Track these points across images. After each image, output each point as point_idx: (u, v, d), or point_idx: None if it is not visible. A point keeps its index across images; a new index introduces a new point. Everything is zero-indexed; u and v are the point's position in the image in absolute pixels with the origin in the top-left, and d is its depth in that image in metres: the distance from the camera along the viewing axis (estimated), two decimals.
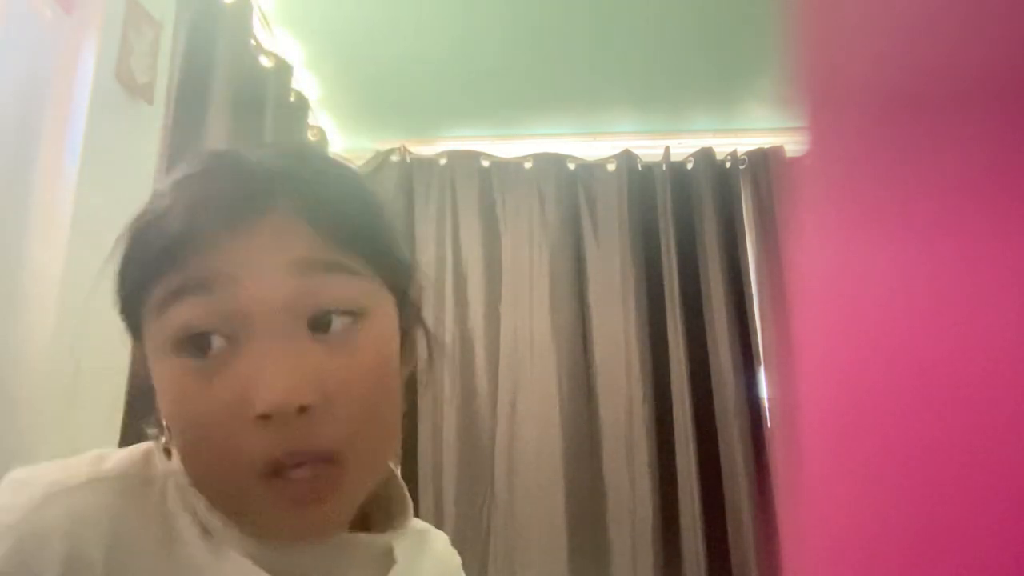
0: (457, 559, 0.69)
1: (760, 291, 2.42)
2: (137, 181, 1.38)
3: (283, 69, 2.09)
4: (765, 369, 2.33)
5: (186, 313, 0.42)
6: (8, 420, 1.11)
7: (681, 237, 2.49)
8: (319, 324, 0.44)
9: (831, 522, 0.12)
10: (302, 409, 0.41)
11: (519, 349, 2.39)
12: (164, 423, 0.48)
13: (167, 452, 0.49)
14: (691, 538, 2.22)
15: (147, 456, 0.49)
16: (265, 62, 2.02)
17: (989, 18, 0.10)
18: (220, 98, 1.75)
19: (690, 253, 2.48)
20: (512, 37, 2.11)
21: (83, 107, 1.22)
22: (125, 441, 1.32)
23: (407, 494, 0.56)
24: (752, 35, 2.01)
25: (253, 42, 1.96)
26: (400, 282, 0.50)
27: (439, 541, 0.67)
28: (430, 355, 0.57)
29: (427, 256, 2.49)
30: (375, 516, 0.55)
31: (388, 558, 0.54)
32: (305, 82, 2.28)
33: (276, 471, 0.42)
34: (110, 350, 1.34)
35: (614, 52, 2.16)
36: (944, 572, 0.10)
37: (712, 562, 2.18)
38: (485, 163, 2.61)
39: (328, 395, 0.42)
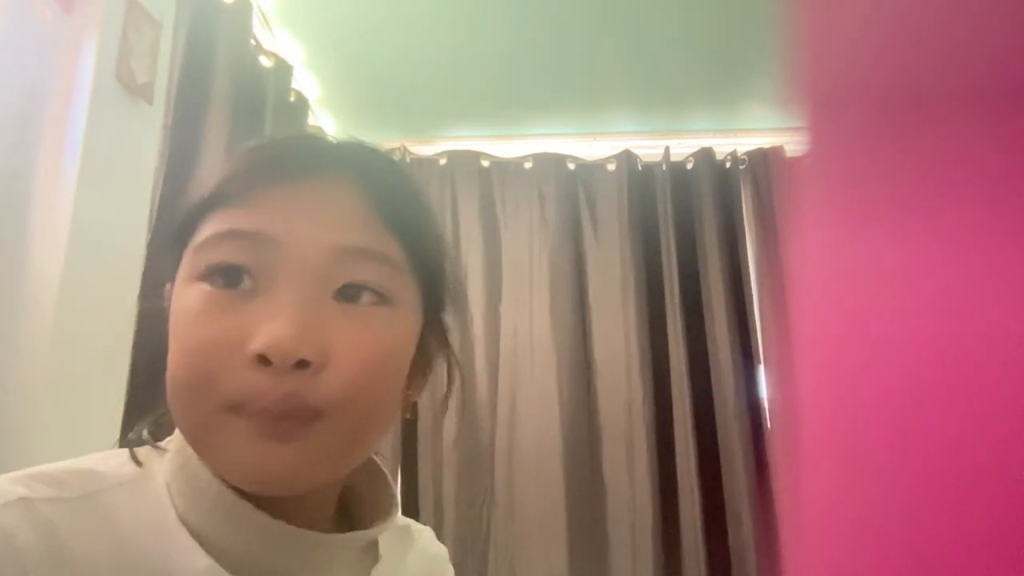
0: (442, 550, 0.68)
1: (760, 291, 2.42)
2: (137, 181, 1.38)
3: (283, 69, 2.09)
4: (765, 369, 2.33)
5: (226, 249, 0.43)
6: (8, 420, 1.11)
7: (681, 237, 2.49)
8: (348, 294, 0.44)
9: (831, 521, 0.12)
10: (301, 363, 0.41)
11: (519, 349, 2.39)
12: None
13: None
14: (691, 538, 2.22)
15: (113, 461, 0.48)
16: (265, 62, 2.02)
17: (988, 18, 0.10)
18: (220, 98, 1.75)
19: (690, 253, 2.48)
20: (512, 37, 2.11)
21: (83, 107, 1.22)
22: (124, 441, 1.32)
23: (394, 491, 0.56)
24: (752, 35, 2.01)
25: (253, 42, 1.96)
26: (436, 298, 0.51)
27: (423, 534, 0.66)
28: (449, 383, 0.58)
29: None
30: (362, 515, 0.55)
31: (372, 554, 0.54)
32: (305, 82, 2.28)
33: (244, 405, 0.41)
34: (110, 349, 1.35)
35: (614, 52, 2.16)
36: (944, 570, 0.10)
37: (712, 562, 2.18)
38: (485, 163, 2.61)
39: (330, 358, 0.42)
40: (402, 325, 0.47)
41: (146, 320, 1.51)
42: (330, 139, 0.50)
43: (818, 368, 0.12)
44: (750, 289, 2.43)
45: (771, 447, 2.18)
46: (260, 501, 0.45)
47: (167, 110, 1.57)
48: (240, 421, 0.41)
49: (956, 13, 0.10)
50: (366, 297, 0.45)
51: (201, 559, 0.44)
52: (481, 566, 2.23)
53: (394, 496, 0.55)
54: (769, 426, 2.26)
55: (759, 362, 2.34)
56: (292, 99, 2.18)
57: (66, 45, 1.26)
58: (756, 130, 2.57)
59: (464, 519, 2.26)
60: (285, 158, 0.46)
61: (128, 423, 1.34)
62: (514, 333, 2.41)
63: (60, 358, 1.16)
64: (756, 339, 2.37)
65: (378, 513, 0.54)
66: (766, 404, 2.31)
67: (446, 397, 0.58)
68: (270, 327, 0.41)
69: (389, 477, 0.57)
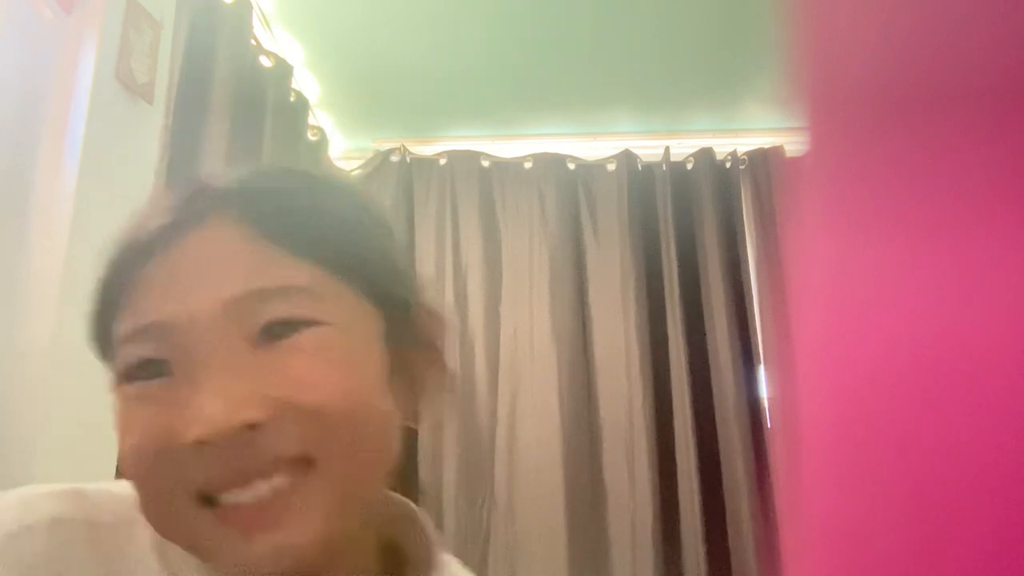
0: None
1: (760, 291, 2.42)
2: (137, 181, 1.38)
3: (283, 69, 2.09)
4: (765, 369, 2.33)
5: (136, 347, 0.40)
6: (8, 420, 1.11)
7: (681, 237, 2.49)
8: (268, 334, 0.39)
9: (831, 522, 0.12)
10: (250, 427, 0.37)
11: (519, 349, 2.39)
12: None
13: None
14: (691, 538, 2.22)
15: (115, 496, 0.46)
16: (265, 62, 2.02)
17: (989, 18, 0.10)
18: (220, 98, 1.75)
19: (690, 253, 2.48)
20: (512, 37, 2.11)
21: (83, 107, 1.22)
22: None
23: (431, 537, 0.50)
24: (752, 35, 2.01)
25: (253, 42, 1.96)
26: (389, 300, 0.45)
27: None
28: (442, 402, 0.51)
29: (427, 256, 2.49)
30: (400, 565, 0.49)
31: None
32: (305, 82, 2.28)
33: (214, 498, 0.38)
34: None
35: (614, 52, 2.16)
36: (945, 570, 0.10)
37: (712, 562, 2.18)
38: (485, 163, 2.61)
39: (279, 409, 0.38)
40: (347, 338, 0.41)
41: None
42: (205, 184, 0.44)
43: (818, 368, 0.12)
44: (750, 289, 2.43)
45: (771, 447, 2.18)
46: None
47: (167, 110, 1.57)
48: (219, 518, 0.38)
49: (956, 13, 0.10)
50: (289, 331, 0.39)
51: None
52: (481, 566, 2.23)
53: (432, 554, 0.49)
54: (769, 426, 2.26)
55: (759, 362, 2.34)
56: (292, 99, 2.18)
57: (66, 45, 1.26)
58: (756, 130, 2.57)
59: (464, 519, 2.26)
60: (153, 229, 0.42)
61: None
62: (514, 333, 2.41)
63: (60, 358, 1.16)
64: (756, 339, 2.37)
65: (416, 563, 0.48)
66: (766, 404, 2.31)
67: (440, 408, 0.52)
68: (195, 410, 0.37)
69: (427, 529, 0.50)
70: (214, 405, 0.37)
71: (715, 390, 2.34)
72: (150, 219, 0.43)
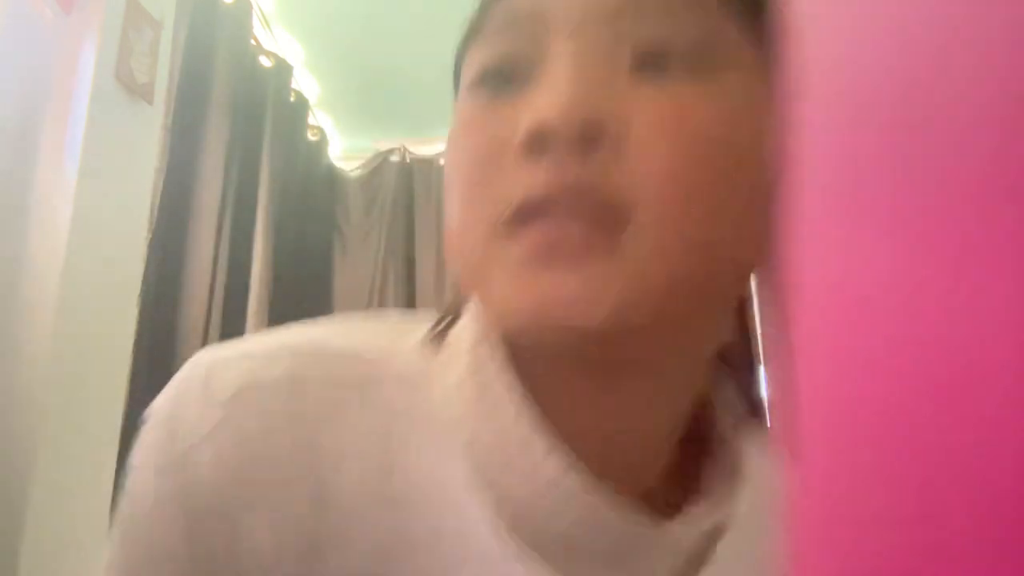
0: None
1: (759, 291, 2.41)
2: (137, 181, 1.38)
3: (283, 69, 2.09)
4: (765, 369, 2.33)
5: (486, 53, 0.33)
6: (8, 419, 1.11)
7: None
8: (648, 62, 0.30)
9: (832, 522, 0.12)
10: (585, 137, 0.28)
11: None
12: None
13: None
14: None
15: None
16: (265, 62, 2.02)
17: (991, 18, 0.10)
18: (220, 98, 1.75)
19: None
20: None
21: (83, 107, 1.22)
22: (124, 441, 1.32)
23: (730, 410, 0.39)
24: None
25: (253, 42, 1.96)
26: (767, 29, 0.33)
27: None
28: None
29: (427, 256, 2.49)
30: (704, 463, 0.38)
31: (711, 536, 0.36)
32: (305, 82, 2.28)
33: (536, 217, 0.29)
34: (110, 349, 1.35)
35: None
36: (947, 571, 0.10)
37: None
38: None
39: (627, 129, 0.29)
40: (729, 96, 0.31)
41: (146, 319, 1.52)
42: None
43: (818, 368, 0.12)
44: (750, 289, 2.42)
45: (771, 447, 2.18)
46: (580, 449, 0.32)
47: (167, 110, 1.57)
48: (514, 244, 0.29)
49: (957, 13, 0.10)
50: (675, 67, 0.30)
51: (477, 511, 0.32)
52: None
53: (736, 462, 0.39)
54: (769, 426, 2.26)
55: (759, 362, 2.34)
56: (292, 99, 2.18)
57: (66, 45, 1.26)
58: None
59: None
60: None
61: (129, 422, 1.34)
62: None
63: (60, 358, 1.16)
64: (756, 339, 2.37)
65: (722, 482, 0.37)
66: (766, 404, 2.30)
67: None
68: (540, 99, 0.29)
69: (722, 426, 0.40)
70: (564, 93, 0.29)
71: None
72: None
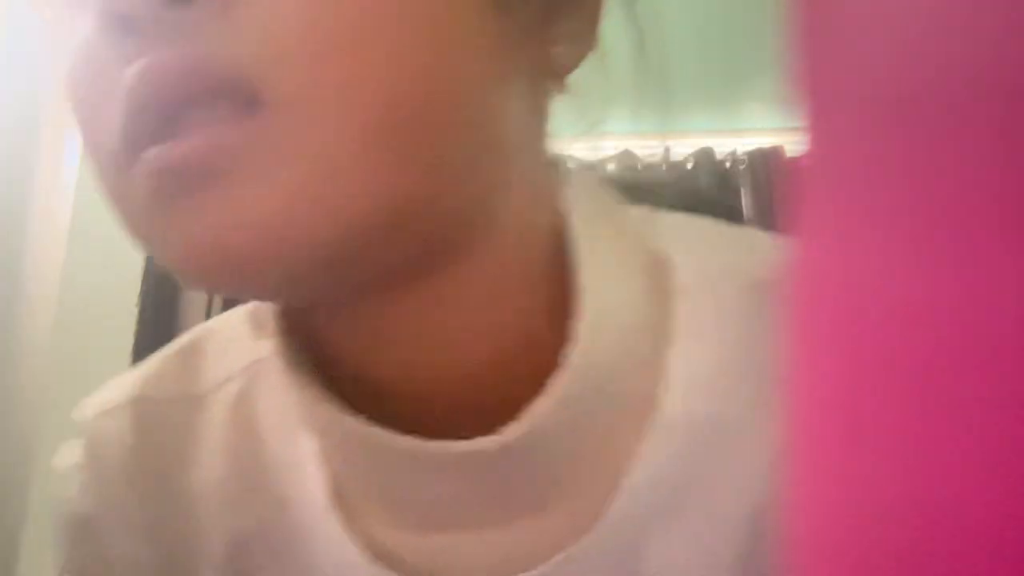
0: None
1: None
2: None
3: None
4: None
5: None
6: (8, 420, 1.11)
7: None
8: None
9: (832, 522, 0.12)
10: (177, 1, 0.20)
11: None
12: None
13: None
14: None
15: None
16: None
17: (991, 17, 0.10)
18: None
19: None
20: None
21: None
22: None
23: (573, 243, 0.27)
24: (752, 35, 2.01)
25: None
26: None
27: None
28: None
29: None
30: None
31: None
32: None
33: (136, 136, 0.21)
34: (110, 349, 1.35)
35: (614, 52, 2.16)
36: (947, 572, 0.10)
37: None
38: None
39: None
40: None
41: (147, 319, 1.51)
42: None
43: (819, 369, 0.12)
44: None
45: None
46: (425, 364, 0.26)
47: None
48: (142, 174, 0.22)
49: (958, 12, 0.10)
50: None
51: (319, 486, 0.28)
52: None
53: (579, 291, 0.26)
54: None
55: None
56: None
57: None
58: (756, 130, 2.57)
59: None
60: None
61: None
62: None
63: (60, 358, 1.16)
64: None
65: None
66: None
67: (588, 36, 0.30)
68: None
69: (574, 243, 0.27)
70: None
71: None
72: None
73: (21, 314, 1.16)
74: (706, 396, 0.27)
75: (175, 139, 0.21)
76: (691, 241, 0.32)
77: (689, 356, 0.27)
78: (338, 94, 0.21)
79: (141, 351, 1.47)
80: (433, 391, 0.27)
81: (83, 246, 1.20)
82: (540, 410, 0.25)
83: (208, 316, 1.69)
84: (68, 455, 0.34)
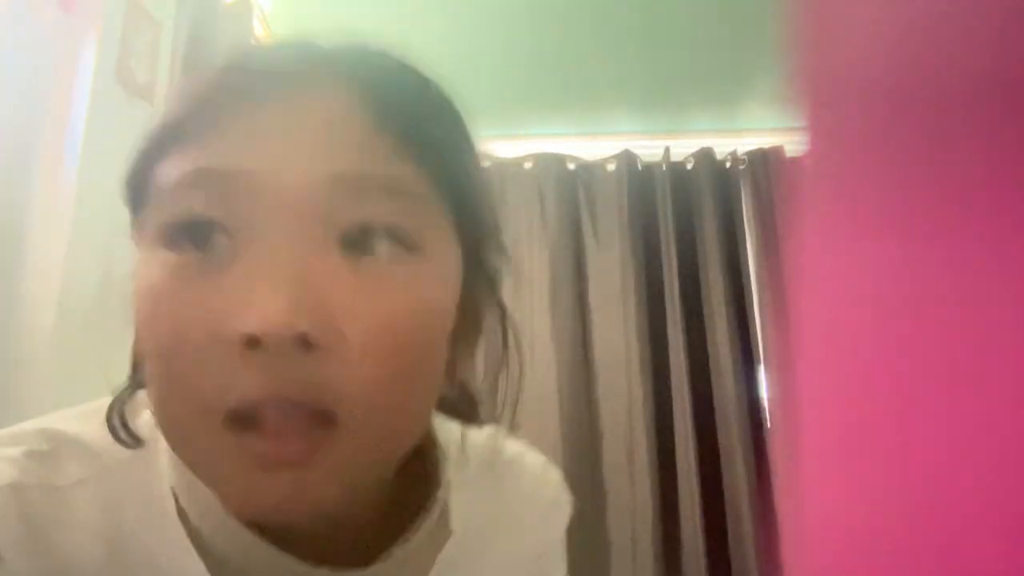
0: (557, 496, 0.53)
1: (760, 291, 2.42)
2: None
3: None
4: (765, 369, 2.33)
5: (189, 199, 0.32)
6: (8, 419, 1.11)
7: (681, 237, 2.49)
8: (358, 244, 0.32)
9: (832, 522, 0.12)
10: (303, 342, 0.29)
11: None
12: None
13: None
14: (691, 539, 2.22)
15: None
16: None
17: (992, 17, 0.10)
18: None
19: (690, 253, 2.48)
20: (511, 37, 2.11)
21: (83, 107, 1.22)
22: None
23: (438, 467, 0.44)
24: (752, 35, 2.01)
25: (253, 42, 1.96)
26: (473, 230, 0.38)
27: (523, 477, 0.51)
28: (504, 344, 0.44)
29: None
30: (419, 497, 0.43)
31: (440, 529, 0.42)
32: None
33: (251, 422, 0.31)
34: (110, 350, 1.34)
35: (614, 52, 2.16)
36: (945, 571, 0.10)
37: (712, 562, 2.18)
38: (485, 163, 2.60)
39: (343, 333, 0.30)
40: (438, 278, 0.34)
41: None
42: (318, 43, 0.38)
43: (818, 368, 0.12)
44: (750, 289, 2.42)
45: (771, 447, 2.18)
46: None
47: None
48: (241, 446, 0.31)
49: (958, 12, 0.10)
50: (384, 246, 0.32)
51: (194, 567, 0.36)
52: None
53: (437, 477, 0.43)
54: (769, 426, 2.26)
55: (759, 362, 2.34)
56: None
57: (66, 45, 1.25)
58: (756, 130, 2.57)
59: None
60: (258, 71, 0.34)
61: None
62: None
63: (60, 357, 1.16)
64: (756, 339, 2.37)
65: (426, 498, 0.42)
66: (766, 404, 2.31)
67: (499, 364, 0.43)
68: (255, 296, 0.29)
69: (435, 442, 0.44)
70: (276, 301, 0.29)
71: (715, 390, 2.34)
72: (246, 60, 0.36)
73: (21, 314, 1.16)
74: (467, 522, 0.44)
75: (275, 437, 0.31)
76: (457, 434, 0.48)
77: (460, 503, 0.44)
78: (385, 428, 0.33)
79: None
80: (318, 532, 0.38)
81: (83, 246, 1.20)
82: (397, 552, 0.39)
83: None
84: None
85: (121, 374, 0.43)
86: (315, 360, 0.30)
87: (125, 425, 0.39)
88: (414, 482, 0.43)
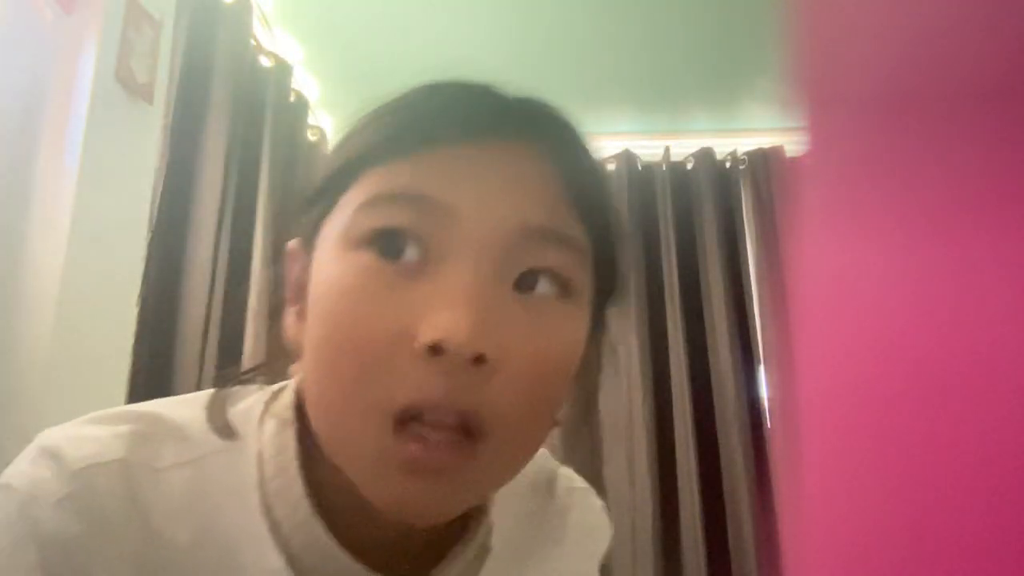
0: (601, 522, 0.58)
1: (760, 291, 2.42)
2: (137, 181, 1.38)
3: (283, 69, 2.09)
4: (765, 369, 2.33)
5: (392, 212, 0.36)
6: (8, 420, 1.11)
7: (681, 237, 2.49)
8: (526, 283, 0.37)
9: (832, 522, 0.12)
10: (477, 360, 0.34)
11: None
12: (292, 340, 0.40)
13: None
14: (691, 538, 2.22)
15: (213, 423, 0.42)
16: (265, 62, 2.02)
17: (989, 17, 0.10)
18: (220, 98, 1.75)
19: (690, 253, 2.48)
20: (511, 37, 2.11)
21: (83, 107, 1.22)
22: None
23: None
24: (752, 35, 2.01)
25: (253, 42, 1.96)
26: (608, 293, 0.43)
27: (575, 499, 0.56)
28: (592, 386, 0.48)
29: None
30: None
31: (480, 548, 0.45)
32: (305, 82, 2.28)
33: (411, 421, 0.34)
34: (110, 349, 1.34)
35: (614, 52, 2.16)
36: (946, 572, 0.10)
37: (712, 562, 2.18)
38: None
39: (505, 360, 0.35)
40: (580, 324, 0.39)
41: (147, 319, 1.51)
42: (498, 91, 0.43)
43: (818, 368, 0.12)
44: (750, 289, 2.43)
45: (771, 447, 2.18)
46: (354, 515, 0.39)
47: (167, 110, 1.57)
48: (397, 444, 0.34)
49: (957, 12, 0.10)
50: (544, 287, 0.37)
51: (274, 560, 0.39)
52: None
53: (491, 496, 0.47)
54: (769, 426, 2.26)
55: (759, 362, 2.34)
56: (292, 99, 2.18)
57: (66, 45, 1.26)
58: (756, 130, 2.57)
59: None
60: (462, 111, 0.40)
61: None
62: None
63: (60, 358, 1.16)
64: (756, 339, 2.37)
65: (481, 512, 0.45)
66: (766, 404, 2.31)
67: (587, 404, 0.48)
68: (446, 312, 0.33)
69: None
70: (467, 318, 0.33)
71: (715, 390, 2.34)
72: (444, 94, 0.42)
73: (21, 314, 1.16)
74: (508, 541, 0.47)
75: (434, 439, 0.34)
76: None
77: (500, 523, 0.46)
78: (519, 448, 0.38)
79: (141, 351, 1.47)
80: (387, 541, 0.41)
81: (83, 246, 1.20)
82: (451, 570, 0.43)
83: (207, 316, 1.69)
84: (36, 477, 0.38)
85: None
86: (482, 377, 0.34)
87: (224, 416, 0.42)
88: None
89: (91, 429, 0.41)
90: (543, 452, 0.55)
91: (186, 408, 0.43)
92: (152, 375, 1.51)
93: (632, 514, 2.25)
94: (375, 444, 0.34)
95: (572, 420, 0.45)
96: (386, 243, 0.36)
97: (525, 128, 0.40)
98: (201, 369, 1.59)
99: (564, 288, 0.38)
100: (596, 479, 2.30)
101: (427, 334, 0.33)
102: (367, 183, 0.37)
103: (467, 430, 0.35)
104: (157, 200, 1.55)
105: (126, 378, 1.33)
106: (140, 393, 1.39)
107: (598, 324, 0.43)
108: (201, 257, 1.67)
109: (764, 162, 2.53)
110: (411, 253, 0.36)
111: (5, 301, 1.16)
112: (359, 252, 0.36)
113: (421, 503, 0.35)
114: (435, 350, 0.33)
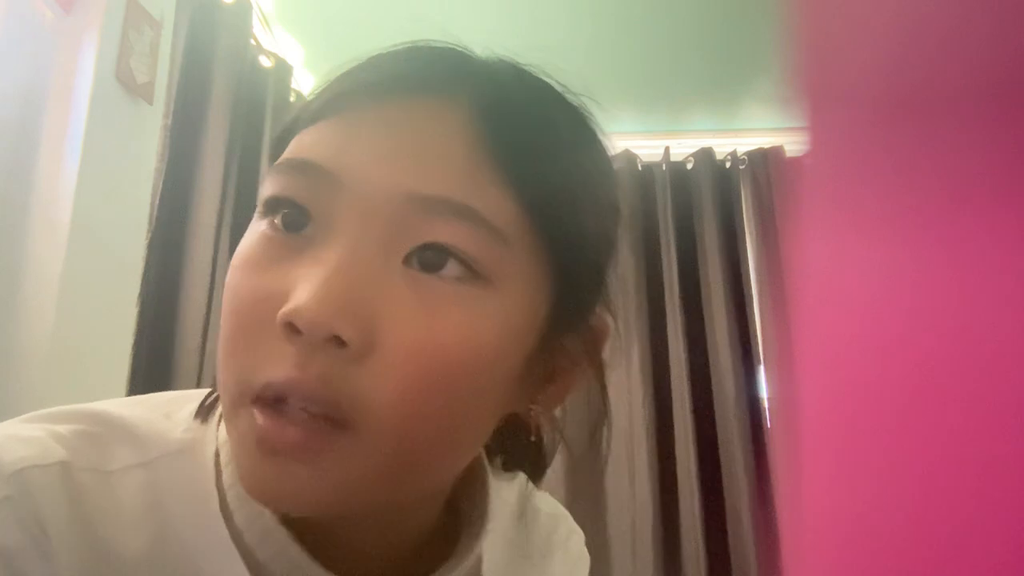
0: (579, 552, 0.56)
1: (760, 291, 2.42)
2: (137, 181, 1.38)
3: (283, 69, 2.09)
4: (765, 369, 2.33)
5: (287, 181, 0.34)
6: (8, 419, 1.11)
7: (681, 237, 2.49)
8: (427, 261, 0.32)
9: (832, 522, 0.12)
10: (336, 342, 0.30)
11: None
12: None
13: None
14: (691, 538, 2.22)
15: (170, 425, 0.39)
16: (265, 62, 2.02)
17: (989, 17, 0.10)
18: (220, 98, 1.75)
19: (690, 253, 2.48)
20: (512, 39, 2.10)
21: (83, 107, 1.22)
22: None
23: (486, 511, 0.43)
24: (751, 35, 2.01)
25: (253, 42, 1.96)
26: (575, 285, 0.37)
27: (553, 530, 0.53)
28: (603, 411, 0.44)
29: None
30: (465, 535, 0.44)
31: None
32: (305, 82, 2.28)
33: (276, 403, 0.31)
34: (110, 349, 1.34)
35: (614, 52, 2.16)
36: (945, 571, 0.10)
37: (712, 562, 2.18)
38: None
39: (376, 340, 0.31)
40: (499, 312, 0.33)
41: (147, 319, 1.52)
42: (461, 51, 0.39)
43: (818, 368, 0.12)
44: (750, 289, 2.42)
45: (771, 447, 2.18)
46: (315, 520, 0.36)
47: (167, 110, 1.57)
48: (251, 418, 0.31)
49: (958, 13, 0.10)
50: (451, 268, 0.32)
51: (238, 572, 0.36)
52: None
53: (484, 517, 0.43)
54: (769, 426, 2.26)
55: (759, 362, 2.34)
56: (292, 99, 2.18)
57: (66, 45, 1.26)
58: (756, 130, 2.57)
59: None
60: (379, 71, 0.36)
61: None
62: None
63: (60, 358, 1.16)
64: (756, 339, 2.37)
65: (470, 537, 0.42)
66: (766, 404, 2.31)
67: (596, 430, 0.44)
68: (303, 286, 0.30)
69: (488, 489, 0.44)
70: (320, 294, 0.30)
71: (715, 390, 2.34)
72: (389, 56, 0.37)
73: (21, 314, 1.16)
74: (497, 569, 0.44)
75: (280, 419, 0.31)
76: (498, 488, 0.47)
77: (490, 547, 0.43)
78: (403, 448, 0.32)
79: (141, 351, 1.47)
80: (365, 555, 0.39)
81: (83, 246, 1.20)
82: None
83: (207, 316, 1.69)
84: None
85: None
86: (347, 361, 0.31)
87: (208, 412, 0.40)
88: (458, 523, 0.44)
89: (30, 429, 0.38)
90: (522, 480, 0.50)
91: (138, 407, 0.40)
92: (152, 375, 1.51)
93: (632, 514, 2.25)
94: (244, 423, 0.32)
95: (579, 444, 0.44)
96: (285, 214, 0.33)
97: (455, 87, 0.35)
98: (201, 369, 1.59)
99: (473, 271, 0.33)
100: (596, 479, 2.30)
101: (283, 312, 0.30)
102: (287, 149, 0.35)
103: (324, 424, 0.31)
104: (157, 200, 1.55)
105: (126, 378, 1.33)
106: (140, 393, 1.39)
107: (567, 323, 0.38)
108: (201, 257, 1.67)
109: (764, 162, 2.53)
110: (308, 227, 0.33)
111: (5, 301, 1.16)
112: (259, 221, 0.34)
113: (277, 486, 0.31)
114: (291, 330, 0.30)
